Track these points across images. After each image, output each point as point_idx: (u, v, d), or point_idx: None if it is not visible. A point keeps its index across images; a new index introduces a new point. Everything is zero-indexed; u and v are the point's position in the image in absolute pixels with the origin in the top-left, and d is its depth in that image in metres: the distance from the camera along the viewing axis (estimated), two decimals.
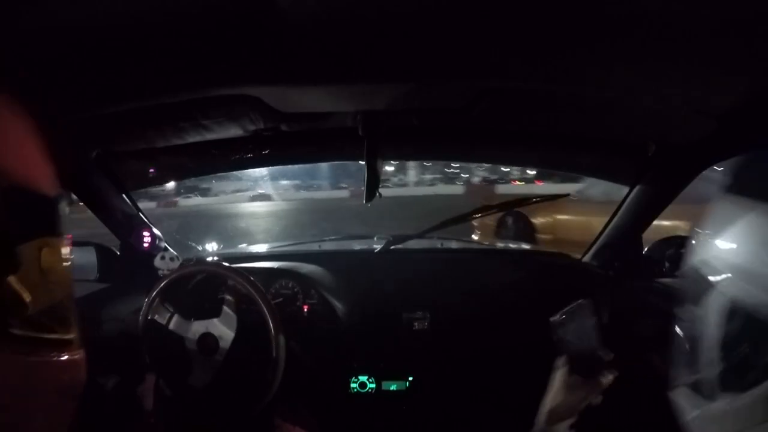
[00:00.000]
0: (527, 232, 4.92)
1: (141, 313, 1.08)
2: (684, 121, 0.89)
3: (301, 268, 1.40)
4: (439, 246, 1.75)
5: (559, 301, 1.38)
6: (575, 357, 0.76)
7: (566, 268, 1.49)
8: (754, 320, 0.35)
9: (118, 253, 1.34)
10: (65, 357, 0.37)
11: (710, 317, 0.39)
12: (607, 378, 0.75)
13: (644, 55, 0.64)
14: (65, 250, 0.38)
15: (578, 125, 1.08)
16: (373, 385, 1.36)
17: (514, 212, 4.93)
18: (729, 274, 0.38)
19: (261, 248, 1.84)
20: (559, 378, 0.77)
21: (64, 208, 0.39)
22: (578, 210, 4.41)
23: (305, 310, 1.34)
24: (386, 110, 0.98)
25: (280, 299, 1.33)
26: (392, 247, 1.56)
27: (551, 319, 0.80)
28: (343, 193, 17.23)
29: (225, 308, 1.06)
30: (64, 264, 0.38)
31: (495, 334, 1.37)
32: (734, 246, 0.38)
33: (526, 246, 1.86)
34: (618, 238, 1.36)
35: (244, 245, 1.90)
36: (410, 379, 1.36)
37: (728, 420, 0.38)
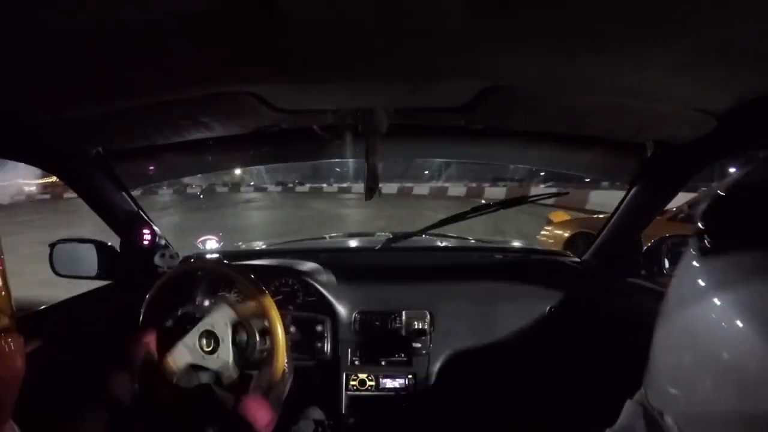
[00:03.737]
0: None
1: (141, 310, 1.08)
2: (683, 120, 0.89)
3: (302, 266, 1.40)
4: (439, 244, 1.76)
5: (559, 300, 1.39)
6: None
7: (566, 267, 1.49)
8: None
9: (119, 251, 1.35)
10: None
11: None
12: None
13: (644, 54, 0.64)
14: None
15: (578, 125, 1.08)
16: (373, 383, 1.36)
17: None
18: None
19: (261, 245, 1.84)
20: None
21: None
22: None
23: (305, 307, 1.34)
24: (387, 108, 0.98)
25: (281, 296, 1.33)
26: (393, 245, 1.56)
27: None
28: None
29: (225, 306, 1.07)
30: None
31: (494, 332, 1.37)
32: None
33: (526, 245, 1.86)
34: (618, 237, 1.37)
35: (244, 242, 1.90)
36: (409, 377, 1.37)
37: None
